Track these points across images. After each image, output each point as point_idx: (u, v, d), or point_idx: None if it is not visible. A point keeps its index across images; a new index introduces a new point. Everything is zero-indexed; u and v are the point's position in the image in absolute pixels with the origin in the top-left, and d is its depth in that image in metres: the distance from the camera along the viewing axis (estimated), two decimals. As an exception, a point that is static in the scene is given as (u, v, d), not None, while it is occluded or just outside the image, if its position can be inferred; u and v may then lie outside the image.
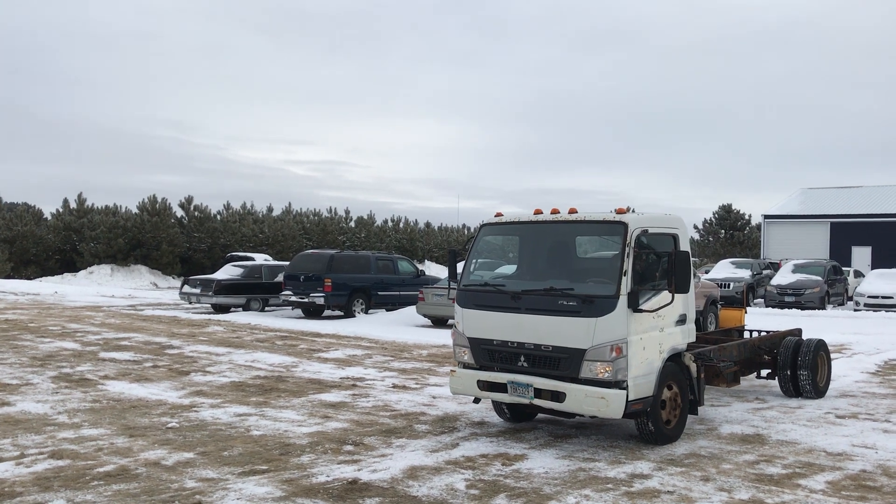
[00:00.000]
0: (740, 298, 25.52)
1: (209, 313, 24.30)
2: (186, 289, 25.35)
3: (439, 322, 21.56)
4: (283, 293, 23.70)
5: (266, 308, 25.50)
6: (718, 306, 20.18)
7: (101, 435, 8.18)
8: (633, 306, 7.47)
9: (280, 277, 24.82)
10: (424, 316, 21.71)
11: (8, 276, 41.81)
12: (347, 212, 57.15)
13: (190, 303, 25.41)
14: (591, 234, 8.43)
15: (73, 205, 47.89)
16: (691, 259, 7.74)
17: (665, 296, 7.80)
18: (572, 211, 8.18)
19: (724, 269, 32.67)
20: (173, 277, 44.12)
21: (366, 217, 57.66)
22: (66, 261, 45.45)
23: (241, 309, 25.00)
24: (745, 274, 31.83)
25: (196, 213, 48.48)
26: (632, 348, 7.43)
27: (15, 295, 30.21)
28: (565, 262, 8.36)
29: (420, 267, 33.83)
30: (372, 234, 55.49)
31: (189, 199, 48.95)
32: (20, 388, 10.72)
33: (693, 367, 8.30)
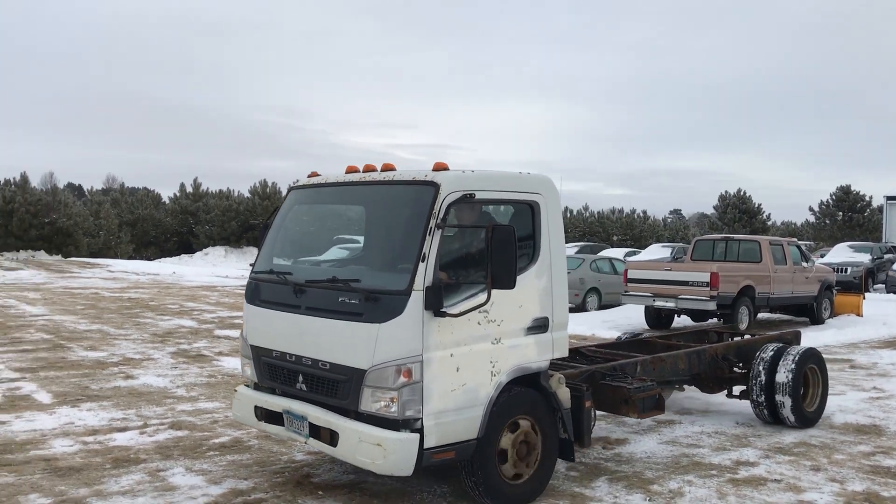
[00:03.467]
0: (858, 284, 24.31)
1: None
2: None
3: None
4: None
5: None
6: (834, 292, 19.34)
7: (216, 408, 8.61)
8: (435, 307, 5.03)
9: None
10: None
11: (130, 258, 44.27)
12: (449, 195, 57.52)
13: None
14: (399, 202, 5.71)
15: (189, 189, 50.21)
16: (515, 236, 5.10)
17: (499, 293, 5.26)
18: (385, 168, 5.74)
19: (842, 253, 31.16)
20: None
21: (468, 200, 57.87)
22: (183, 242, 47.71)
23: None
24: (865, 258, 30.24)
25: (303, 197, 49.85)
26: (432, 369, 5.06)
27: (136, 275, 31.95)
28: (368, 241, 6.28)
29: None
30: (474, 216, 55.71)
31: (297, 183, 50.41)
32: (142, 363, 11.38)
33: (563, 393, 5.86)
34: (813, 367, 8.21)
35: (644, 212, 65.20)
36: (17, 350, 12.21)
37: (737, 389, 8.41)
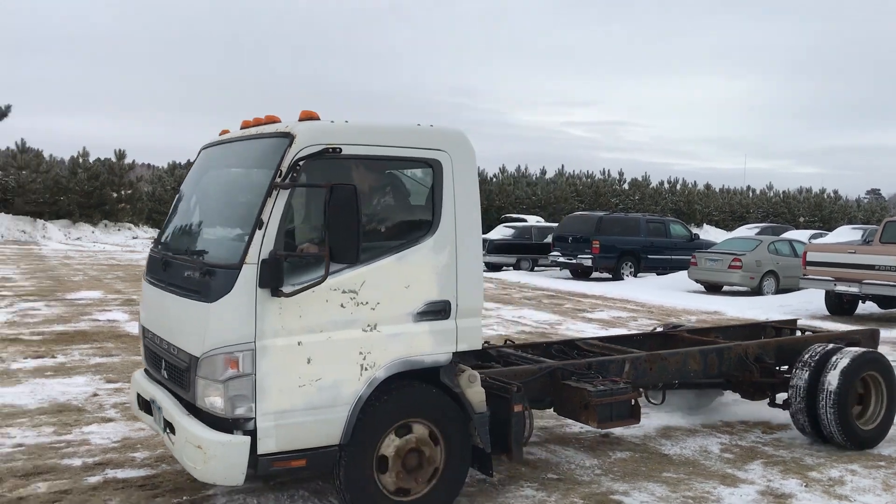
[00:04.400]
0: None
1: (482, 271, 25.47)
2: (462, 248, 26.83)
3: (713, 288, 20.76)
4: (551, 254, 24.19)
5: (535, 268, 26.18)
6: None
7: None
8: (273, 284, 4.24)
9: (549, 238, 25.32)
10: (696, 281, 21.00)
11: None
12: (621, 174, 56.36)
13: (465, 261, 26.82)
14: (253, 158, 4.92)
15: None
16: (357, 198, 4.18)
17: (376, 269, 4.54)
18: (268, 120, 4.89)
19: None
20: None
21: (640, 179, 56.47)
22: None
23: (511, 268, 25.93)
24: None
25: (474, 176, 50.66)
26: (269, 360, 4.27)
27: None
28: (224, 207, 5.23)
29: (696, 231, 32.64)
30: (646, 196, 54.25)
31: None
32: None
33: (475, 394, 4.89)
34: (874, 376, 6.63)
35: (835, 191, 60.76)
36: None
37: (781, 398, 6.87)
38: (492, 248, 25.54)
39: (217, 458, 4.20)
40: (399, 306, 4.65)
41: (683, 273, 21.81)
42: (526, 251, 26.14)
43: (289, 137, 4.42)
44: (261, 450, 4.25)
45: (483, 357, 6.09)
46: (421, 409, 4.74)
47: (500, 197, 48.75)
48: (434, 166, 4.83)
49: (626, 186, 55.76)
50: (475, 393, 4.89)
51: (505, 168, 53.61)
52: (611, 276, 23.40)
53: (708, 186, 59.54)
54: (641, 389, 6.30)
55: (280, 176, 4.29)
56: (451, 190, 4.84)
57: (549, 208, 48.84)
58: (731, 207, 56.61)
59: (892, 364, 6.83)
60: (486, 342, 6.95)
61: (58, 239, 33.98)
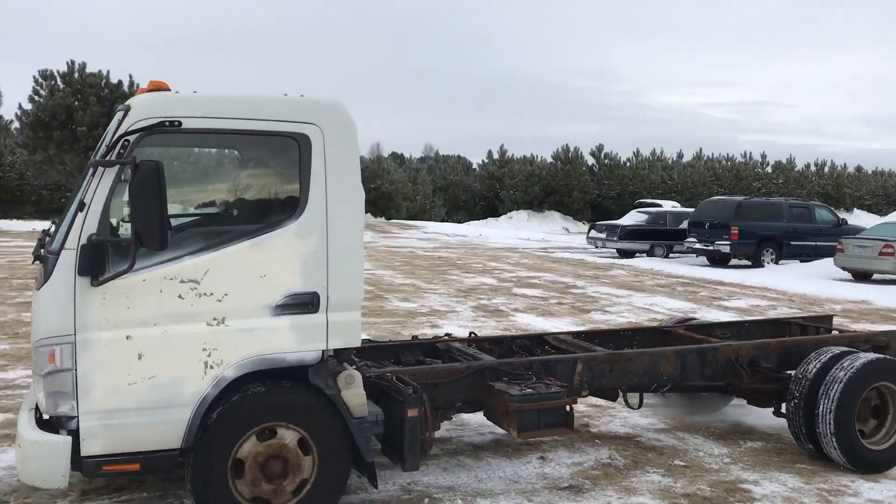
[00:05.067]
0: None
1: (614, 257, 25.08)
2: (593, 234, 26.54)
3: (861, 276, 19.58)
4: (687, 240, 23.51)
5: (670, 254, 25.53)
6: None
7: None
8: (93, 272, 3.90)
9: (685, 224, 24.61)
10: (843, 269, 19.87)
11: (442, 220, 47.55)
12: (764, 156, 53.99)
13: (596, 247, 26.52)
14: (108, 136, 4.34)
15: (495, 156, 52.51)
16: (162, 176, 3.76)
17: (223, 256, 4.15)
18: (142, 91, 4.33)
19: None
20: (583, 223, 46.11)
21: (784, 161, 53.84)
22: (490, 206, 50.14)
23: (644, 254, 25.40)
24: None
25: (606, 161, 49.90)
26: (92, 355, 3.93)
27: (447, 236, 34.32)
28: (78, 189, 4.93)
29: (844, 216, 30.85)
30: (791, 179, 51.74)
31: (600, 148, 50.57)
32: (447, 315, 12.42)
33: (352, 396, 4.39)
34: (889, 387, 5.67)
35: None
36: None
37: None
38: (624, 233, 25.11)
39: (34, 458, 3.91)
40: (253, 298, 4.18)
41: (829, 260, 20.68)
42: (660, 237, 25.52)
43: (125, 110, 4.12)
44: (85, 451, 3.95)
45: (430, 352, 5.91)
46: (289, 411, 4.26)
47: (633, 181, 47.80)
48: (300, 141, 4.29)
49: (768, 170, 53.36)
50: (353, 396, 4.37)
51: (639, 152, 52.52)
52: (750, 263, 22.51)
53: (859, 169, 56.03)
54: (621, 392, 5.92)
55: (114, 151, 3.93)
56: (322, 168, 4.31)
57: (686, 193, 47.41)
58: (885, 191, 53.03)
59: None
60: (447, 335, 6.63)
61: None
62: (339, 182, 4.36)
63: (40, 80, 34.39)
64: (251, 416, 4.20)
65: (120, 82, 34.82)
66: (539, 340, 6.42)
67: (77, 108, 33.19)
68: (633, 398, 6.21)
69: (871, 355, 5.74)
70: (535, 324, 11.71)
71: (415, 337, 6.44)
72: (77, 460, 3.96)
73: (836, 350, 5.82)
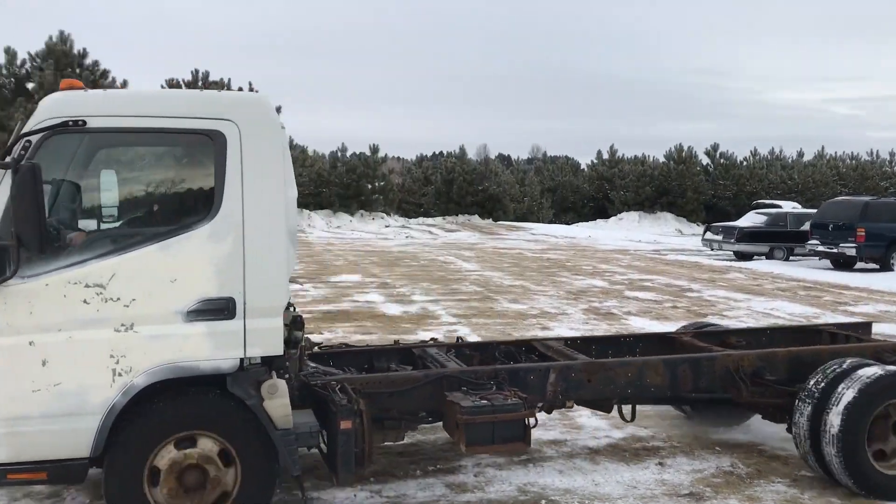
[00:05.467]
0: None
1: (731, 260, 24.28)
2: (708, 235, 25.77)
3: None
4: (809, 242, 22.50)
5: (790, 257, 24.48)
6: None
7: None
8: None
9: (806, 226, 23.55)
10: (984, 273, 18.55)
11: (550, 222, 47.22)
12: (892, 154, 50.96)
13: (712, 249, 25.74)
14: None
15: (605, 156, 51.76)
16: (39, 178, 3.65)
17: (130, 260, 4.01)
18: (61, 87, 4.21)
19: None
20: (697, 224, 44.80)
21: (916, 159, 50.67)
22: (599, 207, 49.43)
23: (763, 257, 24.46)
24: None
25: (721, 161, 48.31)
26: None
27: (555, 238, 34.08)
28: None
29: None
30: (924, 178, 48.63)
31: (715, 147, 49.00)
32: (557, 317, 12.34)
33: (275, 406, 4.20)
34: None
35: None
36: (455, 300, 14.08)
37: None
38: (742, 235, 24.26)
39: None
40: (163, 303, 4.03)
41: (969, 264, 19.34)
42: (780, 239, 24.52)
43: (37, 111, 4.01)
44: None
45: (405, 358, 5.80)
46: (208, 421, 4.13)
47: (750, 182, 46.11)
48: (215, 138, 4.10)
49: (898, 168, 50.31)
50: (277, 406, 4.17)
51: (756, 150, 50.57)
52: (878, 266, 21.33)
53: None
54: (616, 403, 5.57)
55: (15, 151, 3.87)
56: (238, 167, 4.12)
57: (807, 193, 45.33)
58: None
59: None
60: (433, 339, 6.44)
61: (321, 227, 37.14)
62: (257, 182, 4.15)
63: (167, 89, 36.27)
64: (167, 424, 4.09)
65: (240, 89, 36.27)
66: (527, 347, 6.15)
67: (200, 115, 34.77)
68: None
69: (888, 369, 5.18)
70: (649, 328, 11.49)
71: (396, 342, 6.32)
72: None
73: (849, 363, 5.30)
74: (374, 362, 5.76)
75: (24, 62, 32.41)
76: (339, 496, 5.06)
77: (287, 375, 4.41)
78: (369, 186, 41.77)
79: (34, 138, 3.89)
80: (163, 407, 4.09)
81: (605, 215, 47.62)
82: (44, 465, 3.98)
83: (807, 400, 5.20)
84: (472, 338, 10.27)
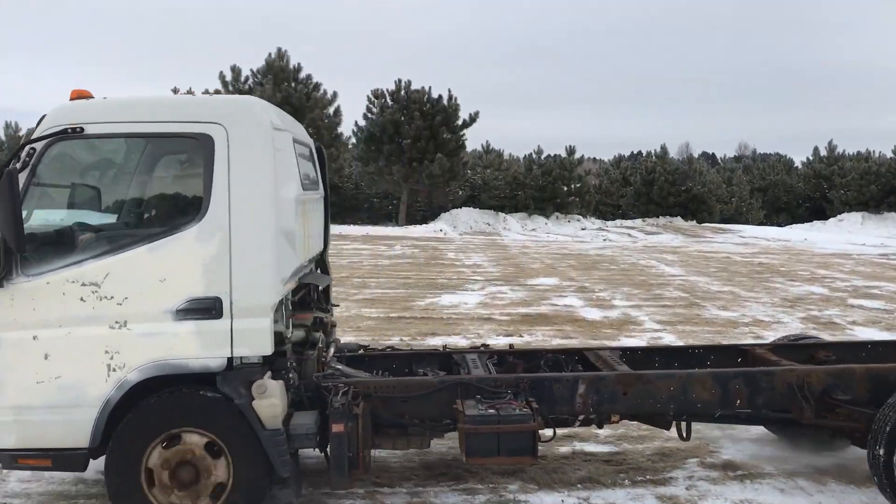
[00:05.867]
0: None
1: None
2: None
3: None
4: None
5: None
6: None
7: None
8: None
9: None
10: None
11: (760, 223, 44.50)
12: None
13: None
14: None
15: (823, 152, 48.06)
16: (15, 182, 3.90)
17: (123, 260, 4.19)
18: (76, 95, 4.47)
19: None
20: (931, 226, 40.42)
21: None
22: (815, 208, 45.95)
23: None
24: None
25: (960, 155, 43.32)
26: (1, 353, 4.18)
27: (766, 241, 32.00)
28: None
29: None
30: None
31: None
32: (772, 325, 11.52)
33: (264, 407, 4.22)
34: None
35: None
36: (658, 305, 13.54)
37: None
38: None
39: None
40: (153, 302, 4.20)
41: None
42: None
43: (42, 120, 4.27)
44: (1, 445, 4.24)
45: (445, 363, 5.62)
46: (195, 417, 4.27)
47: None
48: (203, 141, 4.23)
49: None
50: (265, 406, 4.22)
51: None
52: None
53: None
54: (674, 419, 5.14)
55: (20, 158, 4.13)
56: (226, 169, 4.22)
57: None
58: None
59: None
60: (484, 345, 6.18)
61: (516, 230, 37.33)
62: (244, 183, 4.23)
63: (373, 98, 38.00)
64: (160, 421, 4.26)
65: (440, 97, 37.30)
66: (580, 357, 5.82)
67: (403, 122, 36.18)
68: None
69: None
70: (878, 339, 10.44)
71: (445, 347, 6.20)
72: None
73: None
74: (414, 367, 5.68)
75: (247, 78, 35.19)
76: (546, 500, 4.97)
77: (290, 375, 4.48)
78: (565, 188, 41.40)
79: (38, 145, 4.19)
80: (153, 405, 4.26)
81: (823, 216, 44.15)
82: (48, 452, 4.26)
83: (885, 420, 4.66)
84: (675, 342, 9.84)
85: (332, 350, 5.39)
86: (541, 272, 19.02)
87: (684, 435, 5.27)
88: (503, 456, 4.51)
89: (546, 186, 40.73)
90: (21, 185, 4.10)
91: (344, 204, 40.03)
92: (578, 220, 41.10)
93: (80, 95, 4.42)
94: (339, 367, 5.24)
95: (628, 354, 5.87)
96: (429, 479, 5.35)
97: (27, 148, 4.21)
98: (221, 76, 34.90)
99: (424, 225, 36.19)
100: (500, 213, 39.12)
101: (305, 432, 4.38)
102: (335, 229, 33.00)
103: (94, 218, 4.65)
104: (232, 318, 4.24)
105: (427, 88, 37.36)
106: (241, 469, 4.28)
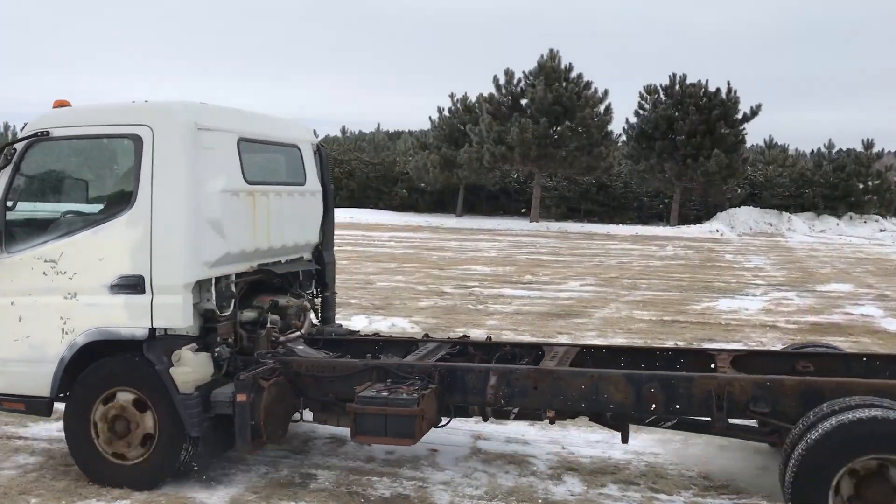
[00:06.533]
0: None
1: None
2: None
3: None
4: None
5: None
6: None
7: None
8: None
9: None
10: None
11: None
12: None
13: None
14: None
15: None
16: None
17: (73, 242, 5.06)
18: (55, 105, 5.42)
19: None
20: None
21: None
22: None
23: None
24: None
25: None
26: None
27: None
28: None
29: None
30: None
31: None
32: None
33: (178, 373, 4.81)
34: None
35: None
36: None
37: None
38: None
39: None
40: (94, 278, 5.00)
41: None
42: None
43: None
44: None
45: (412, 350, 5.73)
46: (126, 378, 4.99)
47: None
48: (134, 141, 4.96)
49: None
50: (179, 373, 4.84)
51: None
52: None
53: None
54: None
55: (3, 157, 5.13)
56: (150, 164, 4.91)
57: None
58: None
59: None
60: (464, 336, 6.37)
61: (802, 231, 34.44)
62: (164, 177, 4.92)
63: (645, 94, 37.09)
64: (102, 380, 5.04)
65: (717, 90, 35.49)
66: (540, 350, 5.66)
67: (677, 118, 34.88)
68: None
69: (870, 412, 4.11)
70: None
71: (426, 335, 6.63)
72: None
73: (856, 399, 4.29)
74: (383, 353, 5.85)
75: (518, 80, 35.99)
76: None
77: (218, 350, 5.05)
78: (860, 186, 37.47)
79: (18, 146, 5.16)
80: (95, 368, 5.05)
81: None
82: (21, 398, 5.25)
83: (792, 437, 4.31)
84: None
85: (302, 330, 5.91)
86: (832, 277, 17.39)
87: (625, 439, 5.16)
88: (387, 436, 4.80)
89: (838, 184, 37.20)
90: (6, 179, 5.12)
91: (612, 203, 39.53)
92: (877, 221, 37.02)
93: (60, 104, 5.35)
94: (300, 347, 5.62)
95: (592, 353, 5.77)
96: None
97: (7, 149, 5.18)
98: (495, 80, 36.09)
99: (698, 225, 34.62)
100: (783, 213, 36.39)
101: (223, 399, 4.91)
102: (610, 229, 32.72)
103: (60, 206, 5.49)
104: (152, 294, 4.96)
105: (703, 82, 35.77)
106: (164, 422, 4.93)
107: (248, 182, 5.42)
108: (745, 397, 4.66)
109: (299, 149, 6.22)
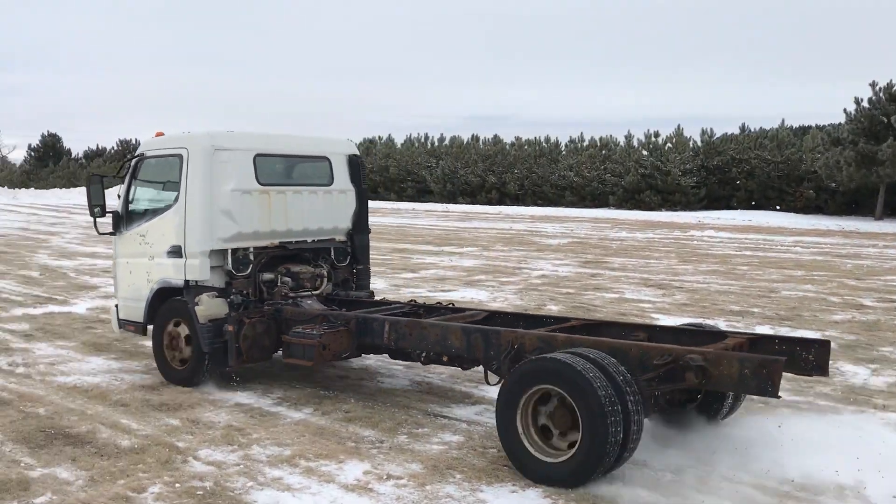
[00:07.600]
0: None
1: None
2: None
3: None
4: None
5: None
6: None
7: None
8: (115, 229, 8.23)
9: None
10: None
11: None
12: None
13: None
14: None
15: None
16: (102, 186, 8.12)
17: (152, 224, 7.92)
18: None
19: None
20: None
21: None
22: None
23: None
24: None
25: None
26: (119, 269, 8.29)
27: None
28: None
29: None
30: None
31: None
32: None
33: (200, 310, 7.35)
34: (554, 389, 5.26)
35: None
36: None
37: None
38: None
39: (113, 316, 8.48)
40: (160, 247, 7.73)
41: None
42: None
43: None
44: (120, 316, 8.31)
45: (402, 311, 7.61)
46: (177, 312, 7.62)
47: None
48: (179, 159, 7.63)
49: None
50: (199, 310, 7.34)
51: None
52: None
53: None
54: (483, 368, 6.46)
55: (126, 170, 8.29)
56: (186, 174, 7.54)
57: None
58: None
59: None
60: (451, 303, 7.92)
61: None
62: (193, 182, 7.48)
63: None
64: (169, 313, 7.70)
65: None
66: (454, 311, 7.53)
67: None
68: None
69: (554, 356, 5.36)
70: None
71: (412, 300, 8.56)
72: (121, 321, 8.33)
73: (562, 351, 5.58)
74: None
75: None
76: None
77: (231, 297, 7.41)
78: None
79: (132, 161, 8.18)
80: (166, 305, 7.74)
81: None
82: (134, 322, 8.10)
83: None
84: None
85: (320, 291, 8.09)
86: None
87: (489, 381, 6.37)
88: (298, 358, 7.02)
89: None
90: (127, 184, 8.11)
91: None
92: None
93: (158, 134, 8.06)
94: (309, 302, 7.75)
95: (526, 319, 7.26)
96: None
97: (127, 163, 8.24)
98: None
99: None
100: None
101: (234, 331, 7.19)
102: None
103: (155, 201, 8.03)
104: (186, 258, 7.52)
105: None
106: (195, 344, 7.43)
107: (261, 184, 7.69)
108: (533, 349, 5.96)
109: (329, 160, 8.29)
